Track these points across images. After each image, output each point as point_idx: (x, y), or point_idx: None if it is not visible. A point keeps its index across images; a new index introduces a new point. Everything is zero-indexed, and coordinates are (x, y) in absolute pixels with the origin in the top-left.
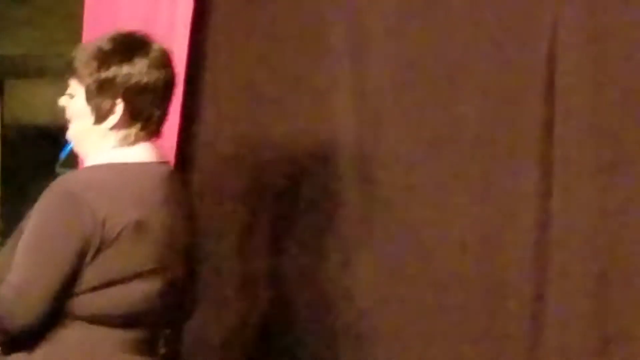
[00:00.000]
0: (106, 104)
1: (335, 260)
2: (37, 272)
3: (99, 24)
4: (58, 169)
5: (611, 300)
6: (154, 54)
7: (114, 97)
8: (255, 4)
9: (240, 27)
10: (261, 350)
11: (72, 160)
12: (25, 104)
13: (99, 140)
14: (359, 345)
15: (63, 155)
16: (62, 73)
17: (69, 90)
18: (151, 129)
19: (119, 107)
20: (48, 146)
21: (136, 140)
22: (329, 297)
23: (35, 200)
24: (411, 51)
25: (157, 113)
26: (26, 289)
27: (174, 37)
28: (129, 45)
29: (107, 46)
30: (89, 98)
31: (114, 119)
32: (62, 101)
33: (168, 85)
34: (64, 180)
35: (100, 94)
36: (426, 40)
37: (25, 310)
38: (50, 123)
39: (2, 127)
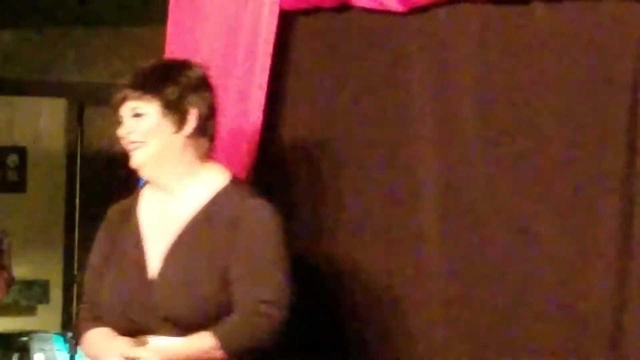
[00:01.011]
0: (182, 111)
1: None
2: (287, 276)
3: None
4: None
5: None
6: (202, 69)
7: (188, 105)
8: (337, 28)
9: (322, 52)
10: None
11: None
12: (104, 130)
13: (181, 151)
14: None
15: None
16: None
17: (133, 112)
18: (213, 140)
19: (193, 112)
20: (123, 171)
21: (208, 152)
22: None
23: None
24: (493, 78)
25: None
26: (286, 292)
27: (256, 59)
28: (180, 63)
29: (161, 65)
30: (166, 111)
31: (191, 125)
32: (129, 126)
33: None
34: (265, 206)
35: (176, 103)
36: (507, 67)
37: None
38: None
39: (82, 151)
